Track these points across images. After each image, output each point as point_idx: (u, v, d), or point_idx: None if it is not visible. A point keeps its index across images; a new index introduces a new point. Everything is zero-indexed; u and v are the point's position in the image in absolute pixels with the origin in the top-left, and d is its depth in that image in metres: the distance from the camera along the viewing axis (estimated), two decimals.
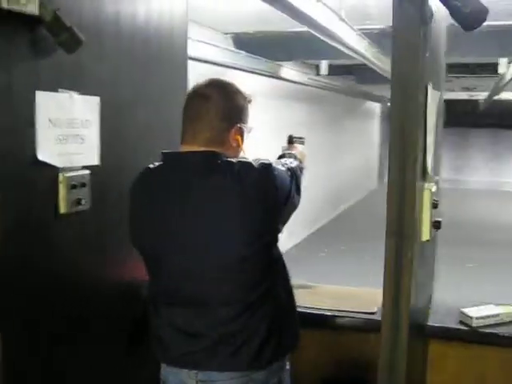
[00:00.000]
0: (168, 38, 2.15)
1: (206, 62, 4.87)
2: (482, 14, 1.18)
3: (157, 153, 1.66)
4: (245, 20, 5.39)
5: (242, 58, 5.39)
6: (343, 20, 4.00)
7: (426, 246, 1.61)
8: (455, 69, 7.34)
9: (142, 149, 1.88)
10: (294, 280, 2.24)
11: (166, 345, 1.59)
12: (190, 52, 4.48)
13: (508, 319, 1.80)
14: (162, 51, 2.11)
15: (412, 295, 1.07)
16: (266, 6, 3.09)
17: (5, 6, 1.32)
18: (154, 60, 2.04)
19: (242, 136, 1.57)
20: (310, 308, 1.97)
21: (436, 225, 1.30)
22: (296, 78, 7.29)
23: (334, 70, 7.75)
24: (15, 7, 1.35)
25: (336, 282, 2.78)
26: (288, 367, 1.67)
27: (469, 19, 1.17)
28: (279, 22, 4.43)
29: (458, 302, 1.94)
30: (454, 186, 14.86)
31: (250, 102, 1.61)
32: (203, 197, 1.48)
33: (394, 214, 1.03)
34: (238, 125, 1.55)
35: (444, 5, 1.18)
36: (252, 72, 5.60)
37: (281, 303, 1.59)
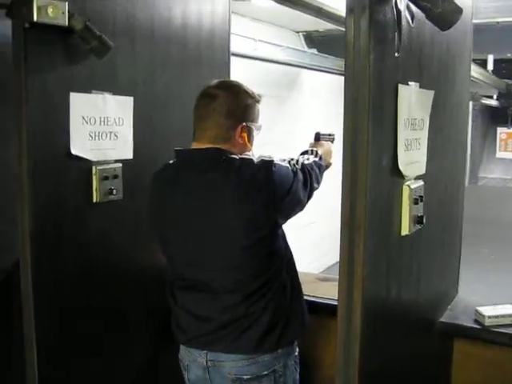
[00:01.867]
0: (208, 40, 2.26)
1: (275, 62, 4.98)
2: (456, 13, 1.20)
3: None
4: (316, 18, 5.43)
5: (309, 56, 5.43)
6: None
7: (429, 241, 1.61)
8: None
9: (175, 145, 2.01)
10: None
11: (182, 327, 1.71)
12: (258, 52, 4.60)
13: None
14: (201, 52, 2.23)
15: (366, 286, 1.09)
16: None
17: (35, 19, 1.51)
18: (190, 61, 2.17)
19: (248, 134, 1.64)
20: (327, 299, 2.03)
21: (418, 220, 1.32)
22: None
23: None
24: (45, 20, 1.54)
25: None
26: (296, 353, 1.73)
27: (441, 19, 1.20)
28: None
29: (483, 301, 1.91)
30: None
31: (258, 101, 1.67)
32: (203, 191, 1.58)
33: (346, 206, 1.08)
34: (244, 123, 1.63)
35: (416, 6, 1.21)
36: (320, 70, 5.62)
37: (285, 293, 1.65)
